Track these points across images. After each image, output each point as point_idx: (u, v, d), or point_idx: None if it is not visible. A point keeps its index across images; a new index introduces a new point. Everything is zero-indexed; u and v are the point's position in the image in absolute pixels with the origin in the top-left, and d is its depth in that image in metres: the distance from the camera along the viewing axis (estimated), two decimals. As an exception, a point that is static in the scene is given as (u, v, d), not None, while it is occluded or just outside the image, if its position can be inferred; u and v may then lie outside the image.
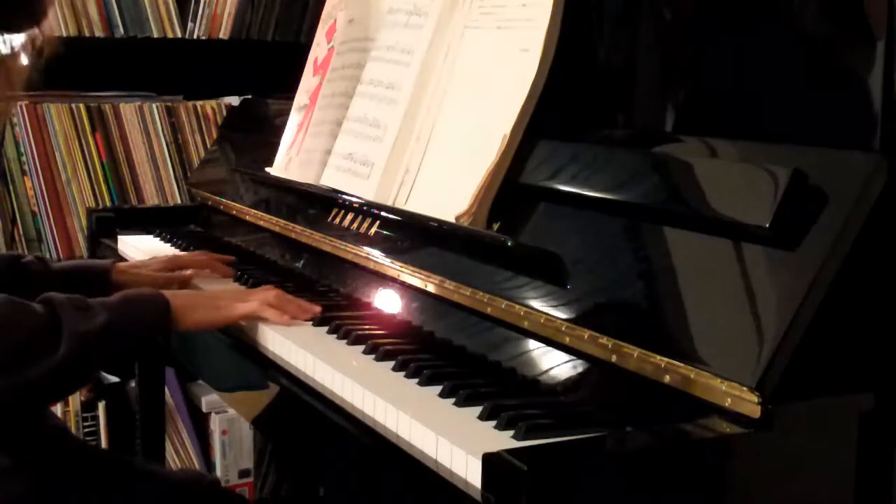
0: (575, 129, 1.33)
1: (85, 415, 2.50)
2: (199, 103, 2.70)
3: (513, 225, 1.30)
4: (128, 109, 2.60)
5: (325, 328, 1.40)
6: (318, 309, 1.46)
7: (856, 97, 1.17)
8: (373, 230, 1.56)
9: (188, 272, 1.78)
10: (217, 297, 1.48)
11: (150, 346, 1.44)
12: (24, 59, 2.37)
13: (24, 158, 2.48)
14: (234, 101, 2.67)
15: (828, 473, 1.01)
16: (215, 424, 2.59)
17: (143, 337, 1.39)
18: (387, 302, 1.48)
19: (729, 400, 0.95)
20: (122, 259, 2.00)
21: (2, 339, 1.24)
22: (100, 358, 1.33)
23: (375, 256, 1.51)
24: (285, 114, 1.95)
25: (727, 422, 0.94)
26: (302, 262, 1.75)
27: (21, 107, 2.47)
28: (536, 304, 1.19)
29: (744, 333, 0.97)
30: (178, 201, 2.63)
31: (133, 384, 2.41)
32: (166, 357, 2.28)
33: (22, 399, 1.26)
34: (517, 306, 1.21)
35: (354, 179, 1.57)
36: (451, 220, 1.34)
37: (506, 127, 1.33)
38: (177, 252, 1.94)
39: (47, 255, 2.46)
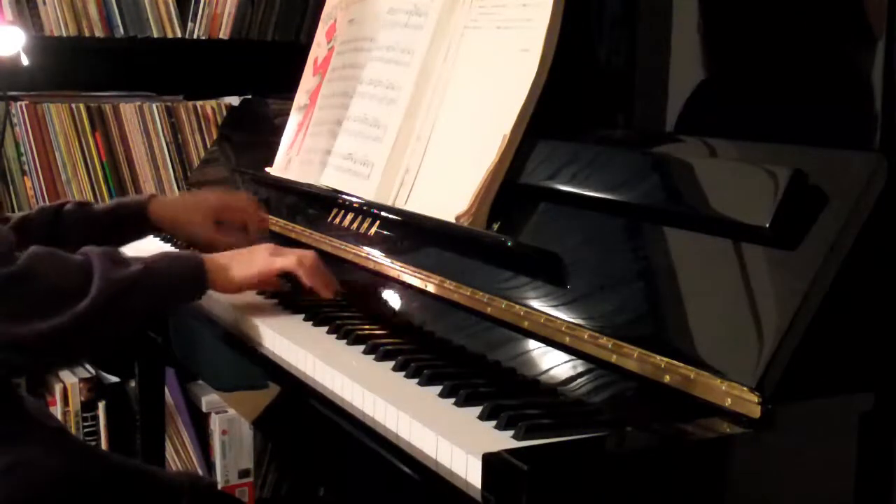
0: (575, 129, 1.33)
1: (85, 415, 2.50)
2: (199, 103, 2.70)
3: (513, 225, 1.30)
4: (128, 109, 2.60)
5: (325, 328, 1.40)
6: (336, 286, 1.49)
7: (856, 97, 1.17)
8: (373, 230, 1.56)
9: (231, 240, 1.73)
10: (252, 252, 1.48)
11: (186, 303, 1.46)
12: (25, 60, 2.38)
13: (24, 158, 2.48)
14: (234, 101, 2.67)
15: (828, 473, 1.01)
16: (215, 424, 2.58)
17: (176, 292, 1.41)
18: (387, 302, 1.48)
19: (729, 400, 0.95)
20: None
21: (38, 284, 1.28)
22: (132, 306, 1.34)
23: (375, 256, 1.51)
24: (285, 114, 1.95)
25: (727, 422, 0.94)
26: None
27: (21, 107, 2.47)
28: (536, 304, 1.19)
29: (744, 333, 0.96)
30: (178, 201, 2.63)
31: (133, 384, 2.41)
32: (166, 357, 2.28)
33: (57, 343, 1.29)
34: (517, 306, 1.21)
35: (354, 179, 1.57)
36: (451, 220, 1.34)
37: (506, 127, 1.33)
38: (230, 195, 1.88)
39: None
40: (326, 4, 1.93)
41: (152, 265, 1.37)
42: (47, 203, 2.46)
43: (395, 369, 1.23)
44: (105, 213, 1.74)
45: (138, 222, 1.74)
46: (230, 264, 1.44)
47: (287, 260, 1.45)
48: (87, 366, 2.54)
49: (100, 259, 1.33)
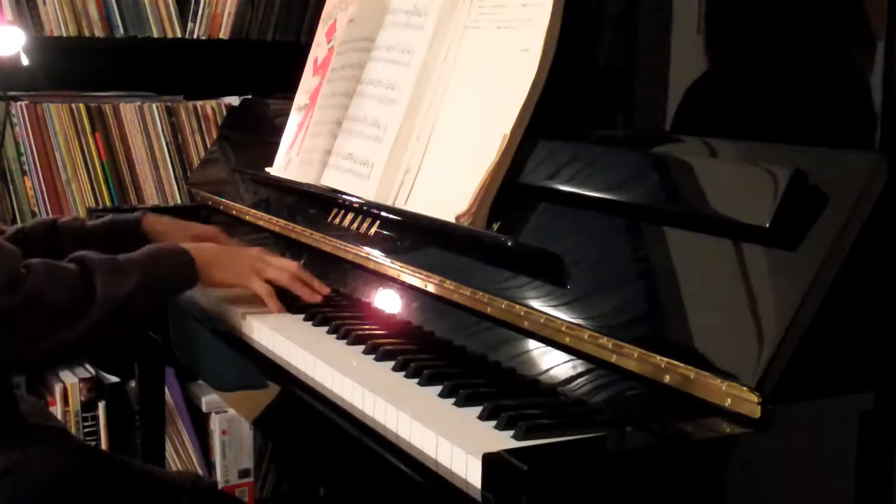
0: (575, 129, 1.33)
1: (85, 415, 2.50)
2: (199, 103, 2.70)
3: (513, 225, 1.30)
4: (128, 109, 2.60)
5: (325, 328, 1.40)
6: (326, 291, 1.54)
7: (856, 97, 1.17)
8: (373, 230, 1.56)
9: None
10: (238, 259, 1.55)
11: (177, 296, 1.54)
12: (25, 60, 2.38)
13: (24, 158, 2.48)
14: (234, 101, 2.67)
15: (828, 473, 1.01)
16: (215, 424, 2.58)
17: (170, 294, 1.51)
18: (387, 302, 1.48)
19: (729, 400, 0.95)
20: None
21: (42, 305, 1.31)
22: (132, 317, 1.41)
23: (375, 256, 1.51)
24: (285, 114, 1.95)
25: (727, 422, 0.94)
26: (302, 262, 1.75)
27: (21, 107, 2.47)
28: (536, 304, 1.19)
29: (744, 333, 0.96)
30: (178, 201, 2.63)
31: (133, 384, 2.41)
32: (166, 357, 2.28)
33: (60, 357, 1.40)
34: (517, 306, 1.21)
35: (354, 179, 1.57)
36: (451, 220, 1.34)
37: (506, 127, 1.33)
38: (217, 230, 1.90)
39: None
40: (326, 4, 1.93)
41: (148, 268, 1.42)
42: (48, 213, 2.49)
43: (395, 369, 1.23)
44: (101, 226, 1.78)
45: (133, 235, 1.78)
46: (214, 262, 1.51)
47: (262, 287, 1.52)
48: (87, 366, 2.54)
49: (99, 270, 1.37)
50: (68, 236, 1.72)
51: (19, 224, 1.94)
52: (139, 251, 1.46)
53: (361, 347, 1.31)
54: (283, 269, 1.54)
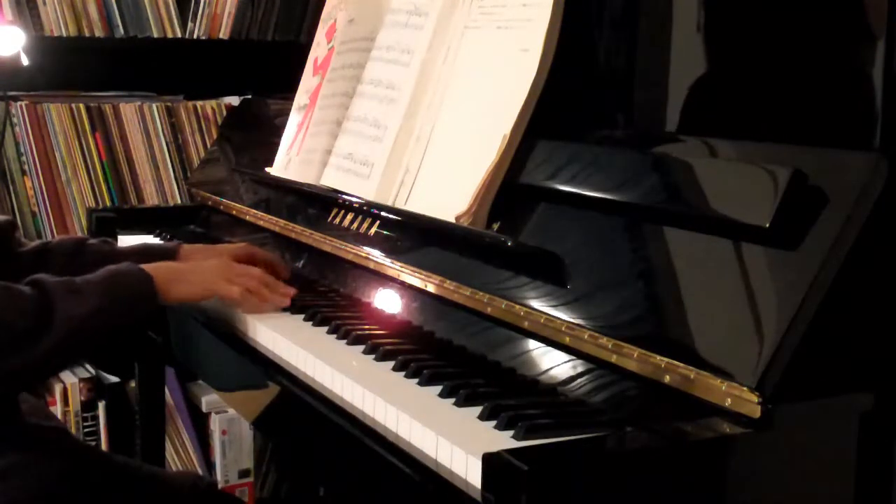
0: (575, 129, 1.33)
1: (85, 415, 2.50)
2: (199, 103, 2.70)
3: (513, 225, 1.30)
4: (128, 109, 2.60)
5: (325, 328, 1.40)
6: (292, 292, 1.51)
7: (856, 97, 1.17)
8: (373, 230, 1.56)
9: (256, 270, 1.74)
10: (200, 271, 1.51)
11: (136, 321, 1.48)
12: (25, 60, 2.38)
13: (24, 158, 2.48)
14: (234, 101, 2.67)
15: (828, 473, 1.01)
16: (215, 424, 2.58)
17: (130, 315, 1.43)
18: (387, 302, 1.48)
19: (729, 400, 0.95)
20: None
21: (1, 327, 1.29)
22: (90, 340, 1.38)
23: (375, 256, 1.51)
24: (285, 114, 1.95)
25: (727, 422, 0.94)
26: (302, 262, 1.75)
27: (21, 107, 2.47)
28: (536, 304, 1.19)
29: (744, 333, 0.97)
30: (178, 201, 2.63)
31: (133, 384, 2.41)
32: (166, 357, 2.28)
33: (16, 379, 1.34)
34: (517, 306, 1.21)
35: (354, 179, 1.57)
36: (451, 220, 1.34)
37: (506, 127, 1.33)
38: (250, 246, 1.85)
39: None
40: (326, 4, 1.93)
41: (105, 289, 1.38)
42: (48, 213, 2.47)
43: (395, 369, 1.23)
44: (132, 251, 1.73)
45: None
46: (176, 279, 1.47)
47: (232, 290, 1.48)
48: (87, 366, 2.54)
49: (55, 292, 1.34)
50: (96, 258, 1.66)
51: (44, 240, 1.92)
52: (97, 272, 1.42)
53: (361, 347, 1.31)
54: (250, 274, 1.51)
